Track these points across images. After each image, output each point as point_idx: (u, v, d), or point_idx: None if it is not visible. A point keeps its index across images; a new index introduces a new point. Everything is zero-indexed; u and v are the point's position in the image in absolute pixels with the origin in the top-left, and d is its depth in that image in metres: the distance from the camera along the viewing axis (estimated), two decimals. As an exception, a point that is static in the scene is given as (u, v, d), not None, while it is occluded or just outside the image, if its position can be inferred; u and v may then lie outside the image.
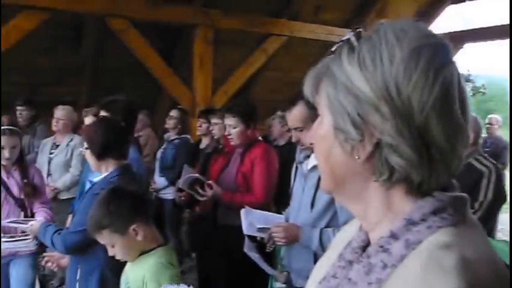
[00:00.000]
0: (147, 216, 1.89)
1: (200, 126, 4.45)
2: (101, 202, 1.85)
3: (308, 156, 2.39)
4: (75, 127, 4.66)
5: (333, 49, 0.72)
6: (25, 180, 3.05)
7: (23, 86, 6.21)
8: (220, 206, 3.26)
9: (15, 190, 3.02)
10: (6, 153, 2.94)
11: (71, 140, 4.46)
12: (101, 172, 2.37)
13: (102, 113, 2.85)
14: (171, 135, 4.93)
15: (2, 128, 2.98)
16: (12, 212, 2.97)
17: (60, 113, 4.45)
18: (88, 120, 3.36)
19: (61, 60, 6.20)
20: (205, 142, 4.47)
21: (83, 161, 4.28)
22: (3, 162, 2.98)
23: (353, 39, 0.69)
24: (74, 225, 2.30)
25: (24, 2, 4.70)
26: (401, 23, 0.68)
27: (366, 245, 0.75)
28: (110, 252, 1.85)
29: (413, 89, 0.62)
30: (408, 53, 0.64)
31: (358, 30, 0.69)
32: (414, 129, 0.63)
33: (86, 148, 2.34)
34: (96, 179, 2.37)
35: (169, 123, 4.87)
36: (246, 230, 2.61)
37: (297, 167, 2.54)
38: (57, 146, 4.46)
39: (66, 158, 4.41)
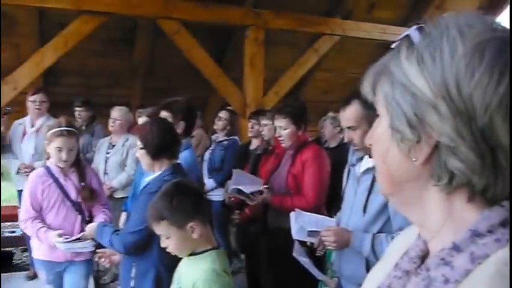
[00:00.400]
0: (205, 216, 1.89)
1: (252, 128, 4.44)
2: (165, 194, 1.88)
3: (361, 159, 2.33)
4: (130, 127, 4.78)
5: (392, 46, 0.68)
6: (83, 184, 2.96)
7: (80, 87, 6.46)
8: (270, 208, 3.24)
9: (72, 193, 2.93)
10: (63, 155, 2.85)
11: (127, 140, 4.57)
12: (154, 172, 2.41)
13: (163, 113, 2.90)
14: (219, 136, 4.94)
15: (60, 129, 2.85)
16: (69, 216, 2.91)
17: (117, 113, 4.57)
18: (142, 120, 3.42)
19: (115, 62, 6.39)
20: (255, 143, 4.45)
21: (138, 161, 4.40)
22: (60, 165, 2.90)
23: (413, 34, 0.64)
24: (132, 225, 2.33)
25: (82, 7, 4.86)
26: (466, 17, 0.63)
27: (424, 255, 0.70)
28: (163, 244, 1.87)
29: (476, 87, 0.57)
30: (472, 48, 0.58)
31: (419, 25, 0.65)
32: (476, 130, 0.57)
33: (141, 148, 2.36)
34: (148, 178, 2.40)
35: (218, 124, 4.89)
36: (295, 234, 2.57)
37: (349, 170, 2.47)
38: (113, 145, 4.60)
39: (122, 158, 4.53)
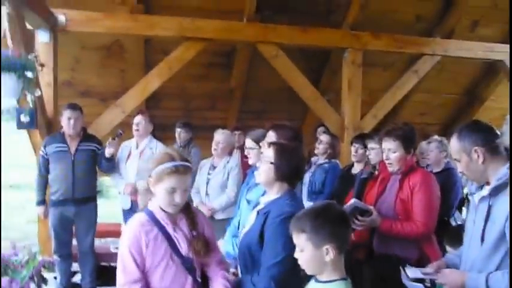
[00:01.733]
0: (343, 244, 1.86)
1: (356, 152, 4.33)
2: (313, 211, 1.90)
3: (481, 187, 2.24)
4: (231, 150, 4.87)
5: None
6: (194, 233, 2.23)
7: (180, 110, 6.73)
8: (376, 233, 3.12)
9: (183, 246, 2.18)
10: (177, 197, 2.12)
11: (228, 162, 4.65)
12: (269, 191, 2.40)
13: (270, 136, 2.89)
14: (320, 158, 4.89)
15: (174, 164, 2.11)
16: (178, 276, 2.17)
17: (220, 136, 4.67)
18: (250, 142, 3.41)
19: (213, 86, 6.60)
20: (358, 168, 4.34)
21: (239, 183, 4.46)
22: (170, 210, 2.17)
23: None
24: (273, 255, 2.16)
25: (186, 34, 5.09)
26: None
27: None
28: (295, 254, 1.88)
29: None
30: None
31: None
32: None
33: (271, 163, 2.34)
34: (265, 199, 2.39)
35: (319, 147, 4.84)
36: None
37: (469, 199, 2.38)
38: (215, 167, 4.70)
39: (223, 179, 4.61)
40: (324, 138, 4.88)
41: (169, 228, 2.18)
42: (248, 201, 3.00)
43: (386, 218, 3.05)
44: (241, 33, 5.28)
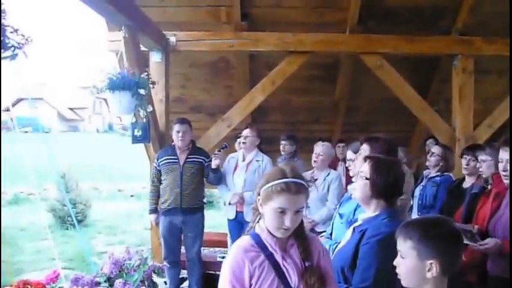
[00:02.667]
0: (450, 264, 1.69)
1: (467, 165, 4.04)
2: (425, 220, 1.83)
3: None
4: (332, 162, 4.82)
5: None
6: (307, 263, 1.87)
7: (284, 124, 6.83)
8: (491, 254, 2.87)
9: (293, 279, 1.84)
10: (287, 219, 1.79)
11: (328, 174, 4.61)
12: (366, 209, 2.32)
13: (364, 149, 2.82)
14: (431, 172, 4.65)
15: (286, 180, 1.80)
16: None
17: (320, 148, 4.66)
18: (350, 155, 3.37)
19: (317, 99, 6.60)
20: (469, 181, 4.04)
21: (339, 195, 4.40)
22: (278, 234, 1.85)
23: None
24: (362, 281, 2.10)
25: (289, 48, 5.18)
26: None
27: None
28: (395, 261, 1.74)
29: None
30: None
31: None
32: None
33: (367, 178, 2.25)
34: (363, 216, 2.31)
35: (431, 160, 4.61)
36: None
37: None
38: (315, 180, 4.68)
39: (323, 192, 4.57)
40: (435, 149, 4.64)
41: (278, 256, 1.85)
42: (340, 215, 2.94)
43: (501, 237, 2.81)
44: (344, 44, 5.25)
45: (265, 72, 5.43)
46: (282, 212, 1.79)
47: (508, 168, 2.82)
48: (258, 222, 1.93)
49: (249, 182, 4.79)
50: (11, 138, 6.91)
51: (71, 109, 49.41)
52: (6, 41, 1.72)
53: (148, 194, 4.93)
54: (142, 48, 4.60)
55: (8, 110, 8.90)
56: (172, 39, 5.07)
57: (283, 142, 5.68)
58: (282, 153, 5.73)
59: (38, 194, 8.02)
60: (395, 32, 5.20)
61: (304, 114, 6.84)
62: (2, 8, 1.69)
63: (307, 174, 4.11)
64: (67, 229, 8.47)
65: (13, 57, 1.76)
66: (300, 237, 1.90)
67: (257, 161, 4.91)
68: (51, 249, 5.24)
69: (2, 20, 1.68)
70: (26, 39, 1.77)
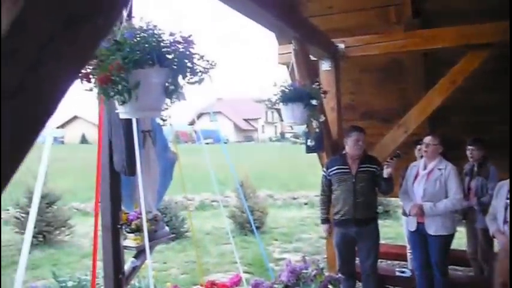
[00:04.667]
0: None
1: None
2: None
3: None
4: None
5: None
6: None
7: (469, 125, 6.18)
8: None
9: None
10: None
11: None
12: None
13: None
14: None
15: None
16: None
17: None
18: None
19: (505, 96, 5.82)
20: None
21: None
22: None
23: None
24: None
25: (469, 42, 4.66)
26: None
27: None
28: None
29: None
30: None
31: None
32: None
33: None
34: None
35: None
36: None
37: None
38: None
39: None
40: None
41: None
42: None
43: None
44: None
45: (443, 71, 4.96)
46: None
47: None
48: None
49: (429, 192, 4.45)
50: (196, 149, 7.56)
51: (245, 120, 52.89)
52: (194, 67, 1.85)
53: (319, 204, 4.90)
54: (312, 58, 4.60)
55: (193, 123, 9.83)
56: (341, 46, 4.98)
57: (469, 147, 5.14)
58: (470, 159, 5.18)
59: (220, 201, 8.60)
60: None
61: (493, 114, 6.09)
62: (191, 38, 1.83)
63: None
64: (246, 235, 8.92)
65: (200, 81, 1.89)
66: None
67: (439, 169, 4.50)
68: (232, 253, 5.55)
69: (190, 49, 1.81)
70: (211, 64, 1.88)
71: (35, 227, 4.18)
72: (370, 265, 4.58)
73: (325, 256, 5.36)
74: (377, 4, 5.01)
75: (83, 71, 1.66)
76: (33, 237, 7.33)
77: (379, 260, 4.86)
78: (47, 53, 0.69)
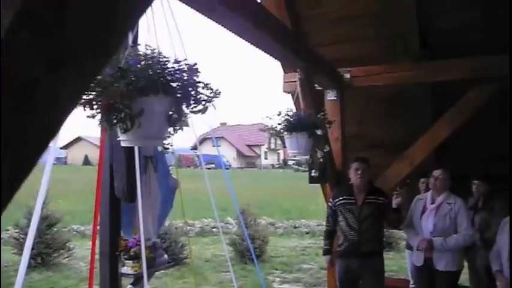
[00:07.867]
0: None
1: None
2: None
3: None
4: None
5: None
6: None
7: (475, 160, 6.09)
8: None
9: None
10: None
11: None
12: None
13: None
14: None
15: None
16: None
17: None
18: None
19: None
20: None
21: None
22: None
23: None
24: None
25: (477, 75, 4.62)
26: None
27: None
28: None
29: None
30: None
31: None
32: None
33: None
34: None
35: None
36: None
37: None
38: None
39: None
40: None
41: None
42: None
43: None
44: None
45: (450, 103, 4.92)
46: None
47: None
48: None
49: (440, 227, 4.35)
50: (198, 174, 7.51)
51: (248, 146, 52.92)
52: (198, 96, 1.82)
53: (323, 234, 4.80)
54: (317, 87, 4.58)
55: (195, 148, 9.81)
56: (347, 75, 4.96)
57: (476, 182, 5.06)
58: (475, 194, 5.09)
59: (220, 227, 8.49)
60: None
61: (501, 147, 6.00)
62: (195, 66, 1.80)
63: None
64: (246, 263, 8.78)
65: (204, 110, 1.85)
66: None
67: (448, 203, 4.41)
68: (232, 281, 5.45)
69: (195, 77, 1.78)
70: (215, 93, 1.85)
71: (33, 249, 4.10)
72: (375, 300, 4.45)
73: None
74: (385, 35, 5.01)
75: (85, 97, 1.62)
76: (32, 259, 7.24)
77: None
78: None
